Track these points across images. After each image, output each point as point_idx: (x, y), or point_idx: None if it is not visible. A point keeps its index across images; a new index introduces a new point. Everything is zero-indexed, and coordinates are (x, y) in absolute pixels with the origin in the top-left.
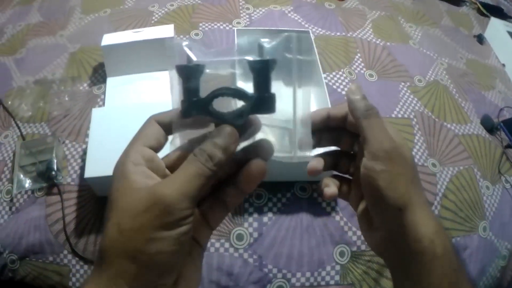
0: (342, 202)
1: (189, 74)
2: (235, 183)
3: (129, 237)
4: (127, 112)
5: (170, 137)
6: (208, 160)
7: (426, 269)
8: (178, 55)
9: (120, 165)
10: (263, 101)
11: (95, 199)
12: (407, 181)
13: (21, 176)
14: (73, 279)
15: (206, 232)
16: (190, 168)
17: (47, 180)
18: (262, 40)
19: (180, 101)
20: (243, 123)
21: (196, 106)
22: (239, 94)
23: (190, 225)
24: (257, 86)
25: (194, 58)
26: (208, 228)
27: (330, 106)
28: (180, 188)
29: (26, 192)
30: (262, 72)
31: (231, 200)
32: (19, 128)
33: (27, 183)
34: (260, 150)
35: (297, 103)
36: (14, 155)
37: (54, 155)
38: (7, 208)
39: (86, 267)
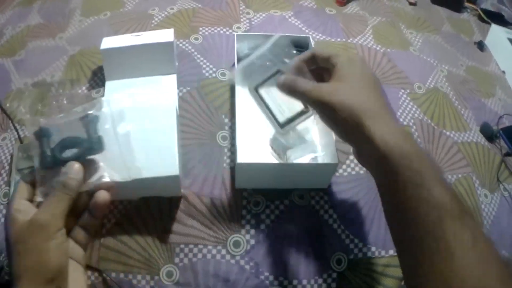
0: (339, 210)
1: (41, 137)
2: (90, 211)
3: (26, 255)
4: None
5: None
6: (64, 187)
7: (393, 169)
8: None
9: (9, 214)
10: (92, 143)
11: None
12: (357, 96)
13: (18, 178)
14: None
15: (81, 253)
16: (53, 196)
17: None
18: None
19: (17, 169)
20: (86, 161)
21: (48, 160)
22: (75, 141)
23: (63, 237)
24: (87, 133)
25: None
26: (81, 250)
27: None
28: (49, 212)
29: None
30: (89, 125)
31: (88, 224)
32: (17, 130)
33: None
34: (103, 185)
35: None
36: (11, 157)
37: None
38: (4, 211)
39: None
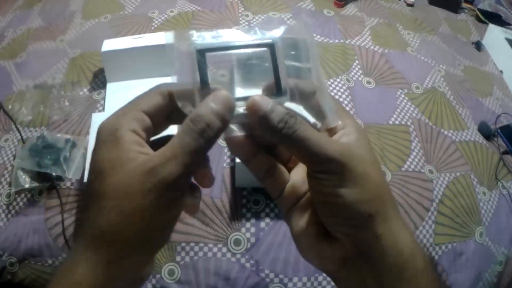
0: None
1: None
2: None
3: (131, 220)
4: None
5: None
6: (206, 130)
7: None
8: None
9: (114, 130)
10: None
11: None
12: (375, 181)
13: (21, 174)
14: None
15: None
16: (186, 140)
17: (47, 180)
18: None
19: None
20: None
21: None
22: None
23: (182, 203)
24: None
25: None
26: None
27: None
28: (180, 166)
29: (25, 195)
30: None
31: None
32: (19, 132)
33: (27, 182)
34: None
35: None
36: (14, 158)
37: (62, 156)
38: (6, 211)
39: None
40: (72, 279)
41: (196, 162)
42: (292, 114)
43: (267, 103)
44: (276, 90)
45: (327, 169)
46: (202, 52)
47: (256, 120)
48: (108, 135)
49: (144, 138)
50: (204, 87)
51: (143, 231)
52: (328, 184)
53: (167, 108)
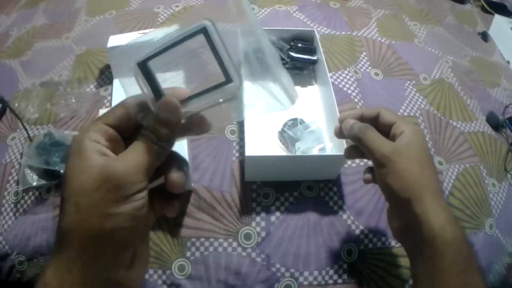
0: (349, 201)
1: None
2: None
3: (86, 215)
4: None
5: None
6: (154, 137)
7: (437, 254)
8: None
9: (78, 142)
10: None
11: None
12: (413, 174)
13: (28, 172)
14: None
15: (151, 216)
16: (139, 144)
17: (55, 177)
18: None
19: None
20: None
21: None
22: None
23: (144, 201)
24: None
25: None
26: (152, 213)
27: (336, 105)
28: (131, 163)
29: (33, 193)
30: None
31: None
32: (26, 130)
33: (34, 180)
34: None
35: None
36: (21, 157)
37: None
38: (14, 210)
39: None
40: (43, 279)
41: (146, 163)
42: (367, 125)
43: (176, 105)
44: (225, 77)
45: (381, 163)
46: (143, 64)
47: None
48: (74, 147)
49: (107, 146)
50: (157, 95)
51: (99, 228)
52: (381, 174)
53: (134, 119)
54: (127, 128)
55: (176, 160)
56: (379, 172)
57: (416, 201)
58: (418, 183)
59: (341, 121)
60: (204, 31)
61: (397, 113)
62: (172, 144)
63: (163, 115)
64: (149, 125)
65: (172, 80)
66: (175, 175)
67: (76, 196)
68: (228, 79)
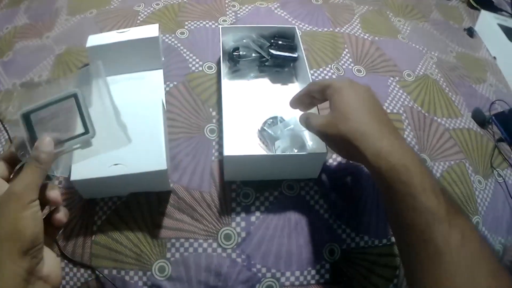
0: (330, 200)
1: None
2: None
3: (3, 227)
4: None
5: None
6: (36, 161)
7: (385, 184)
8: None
9: None
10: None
11: (83, 201)
12: (349, 121)
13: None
14: (63, 282)
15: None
16: (26, 168)
17: None
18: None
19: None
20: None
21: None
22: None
23: (38, 207)
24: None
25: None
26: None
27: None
28: (23, 181)
29: None
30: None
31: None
32: (7, 131)
33: None
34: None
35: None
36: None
37: None
38: None
39: (75, 269)
40: None
41: (33, 179)
42: (306, 115)
43: (46, 146)
44: (84, 129)
45: (321, 132)
46: (26, 115)
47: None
48: None
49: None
50: (33, 138)
51: (16, 228)
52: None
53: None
54: (13, 161)
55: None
56: (328, 142)
57: (359, 143)
58: (357, 127)
59: (290, 105)
60: (75, 95)
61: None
62: (49, 165)
63: (33, 153)
64: (34, 155)
65: (52, 128)
66: (58, 216)
67: None
68: (87, 131)
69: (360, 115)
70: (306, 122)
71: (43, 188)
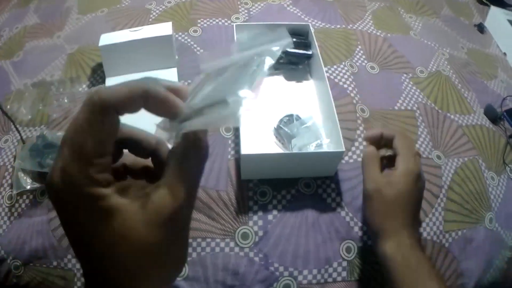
0: (347, 197)
1: None
2: None
3: None
4: None
5: None
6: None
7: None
8: None
9: (92, 200)
10: None
11: None
12: (381, 216)
13: (22, 175)
14: (78, 283)
15: None
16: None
17: None
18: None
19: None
20: None
21: None
22: None
23: None
24: None
25: None
26: None
27: (332, 100)
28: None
29: (27, 196)
30: None
31: None
32: (19, 132)
33: (28, 184)
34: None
35: None
36: (15, 159)
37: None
38: (9, 214)
39: None
40: None
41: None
42: (371, 155)
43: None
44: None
45: (365, 195)
46: None
47: None
48: (89, 209)
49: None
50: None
51: None
52: (364, 204)
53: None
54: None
55: None
56: (364, 200)
57: (379, 236)
58: (384, 224)
59: (364, 140)
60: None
61: (410, 139)
62: None
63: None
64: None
65: None
66: None
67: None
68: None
69: (400, 211)
70: (363, 165)
71: None
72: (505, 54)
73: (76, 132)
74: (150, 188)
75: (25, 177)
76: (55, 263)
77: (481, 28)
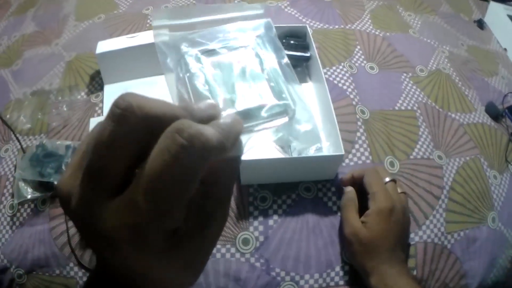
0: None
1: None
2: None
3: None
4: None
5: None
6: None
7: None
8: None
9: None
10: None
11: None
12: (361, 257)
13: (22, 184)
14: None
15: None
16: None
17: (50, 188)
18: None
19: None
20: None
21: None
22: None
23: None
24: None
25: None
26: None
27: (331, 102)
28: None
29: (29, 205)
30: None
31: None
32: (19, 141)
33: (29, 193)
34: None
35: None
36: (15, 168)
37: (64, 163)
38: (11, 223)
39: None
40: None
41: None
42: (350, 202)
43: None
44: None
45: (346, 239)
46: None
47: None
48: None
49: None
50: None
51: None
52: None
53: None
54: None
55: None
56: (344, 242)
57: (369, 276)
58: (372, 263)
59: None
60: None
61: (377, 174)
62: None
63: None
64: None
65: None
66: None
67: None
68: None
69: (384, 248)
70: (343, 211)
71: None
72: (505, 49)
73: (101, 151)
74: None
75: (26, 187)
76: (57, 271)
77: (480, 24)
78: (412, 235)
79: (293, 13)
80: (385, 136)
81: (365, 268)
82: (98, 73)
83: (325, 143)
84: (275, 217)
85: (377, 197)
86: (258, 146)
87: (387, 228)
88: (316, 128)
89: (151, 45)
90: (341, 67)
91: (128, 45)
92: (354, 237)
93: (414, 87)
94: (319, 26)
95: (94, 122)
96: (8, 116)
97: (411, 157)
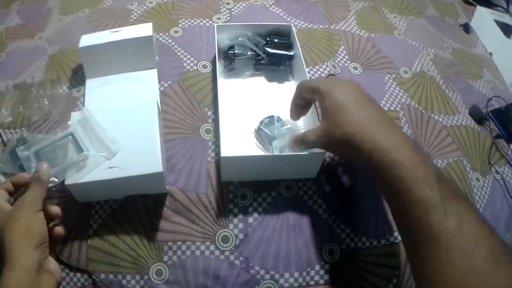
0: (329, 199)
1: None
2: None
3: (19, 226)
4: (106, 114)
5: None
6: (39, 181)
7: (381, 180)
8: None
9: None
10: None
11: (78, 205)
12: (342, 124)
13: (2, 178)
14: (60, 287)
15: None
16: (32, 187)
17: None
18: None
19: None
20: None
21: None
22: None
23: (43, 215)
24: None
25: None
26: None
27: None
28: (31, 195)
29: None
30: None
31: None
32: (0, 135)
33: None
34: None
35: None
36: None
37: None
38: None
39: (71, 274)
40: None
41: (38, 196)
42: (298, 138)
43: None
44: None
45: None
46: (36, 152)
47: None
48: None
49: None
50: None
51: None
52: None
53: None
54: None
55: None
56: (328, 150)
57: (355, 142)
58: (351, 128)
59: (292, 118)
60: (72, 135)
61: (307, 81)
62: (47, 184)
63: (34, 175)
64: (36, 177)
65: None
66: (58, 229)
67: (7, 222)
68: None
69: (351, 117)
70: (303, 141)
71: (45, 205)
72: (491, 54)
73: None
74: None
75: (6, 180)
76: None
77: (466, 28)
78: (395, 234)
79: (277, 11)
80: None
81: (363, 153)
82: (80, 67)
83: None
84: (255, 215)
85: (319, 84)
86: (239, 143)
87: (348, 99)
88: (298, 126)
89: (134, 40)
90: (324, 66)
91: (112, 39)
92: (320, 140)
93: (398, 88)
94: (303, 26)
95: (75, 116)
96: None
97: None
